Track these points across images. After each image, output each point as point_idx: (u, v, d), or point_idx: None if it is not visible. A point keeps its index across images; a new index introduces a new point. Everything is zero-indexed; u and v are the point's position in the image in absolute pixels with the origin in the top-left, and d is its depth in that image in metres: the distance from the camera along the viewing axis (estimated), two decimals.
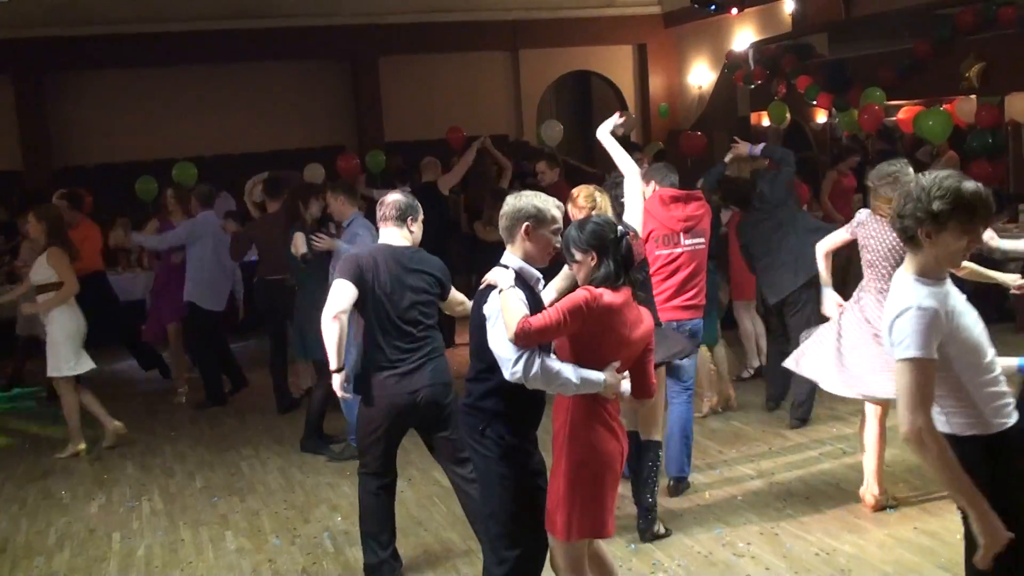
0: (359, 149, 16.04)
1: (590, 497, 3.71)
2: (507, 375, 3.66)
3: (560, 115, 18.11)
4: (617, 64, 19.27)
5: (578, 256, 3.78)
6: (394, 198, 4.97)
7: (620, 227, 3.85)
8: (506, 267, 3.84)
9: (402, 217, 4.91)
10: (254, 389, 8.99)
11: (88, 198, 12.27)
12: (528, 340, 3.59)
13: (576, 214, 4.93)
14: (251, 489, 6.63)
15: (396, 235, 4.91)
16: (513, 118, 18.68)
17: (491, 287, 3.79)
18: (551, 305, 3.73)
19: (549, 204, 3.91)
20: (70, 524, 6.24)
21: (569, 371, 3.63)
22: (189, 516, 6.23)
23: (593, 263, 3.74)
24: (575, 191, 5.13)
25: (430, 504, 6.06)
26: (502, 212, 3.93)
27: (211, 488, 6.72)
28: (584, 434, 3.71)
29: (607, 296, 3.67)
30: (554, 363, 3.64)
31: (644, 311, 3.86)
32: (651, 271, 5.80)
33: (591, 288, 3.69)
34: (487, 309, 3.77)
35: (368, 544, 4.99)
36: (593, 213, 4.86)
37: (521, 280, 3.81)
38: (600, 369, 3.68)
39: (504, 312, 3.65)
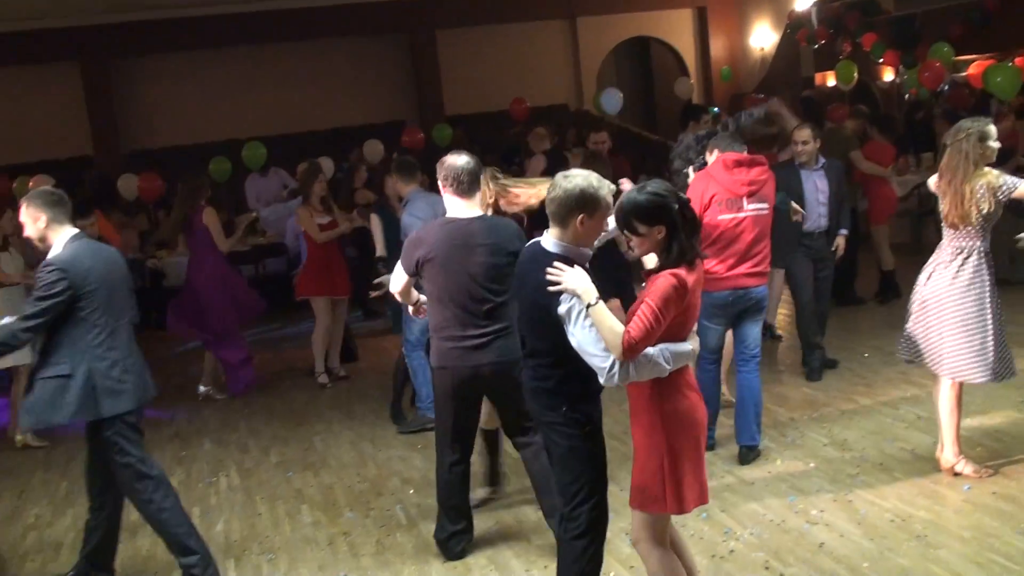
0: (420, 123, 16.09)
1: (694, 465, 3.68)
2: (603, 381, 3.56)
3: (620, 82, 17.96)
4: (677, 28, 19.06)
5: (642, 230, 3.59)
6: (452, 163, 4.80)
7: (680, 194, 3.68)
8: (568, 260, 3.65)
9: (465, 184, 4.81)
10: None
11: (157, 181, 12.56)
12: (636, 352, 3.46)
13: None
14: (324, 464, 6.74)
15: (462, 205, 4.84)
16: (572, 87, 18.60)
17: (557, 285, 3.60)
18: None
19: (603, 189, 3.73)
20: None
21: (659, 356, 3.52)
22: (265, 491, 6.36)
23: (661, 237, 3.57)
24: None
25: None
26: (551, 196, 3.74)
27: (286, 463, 6.85)
28: (678, 405, 3.64)
29: (689, 275, 3.55)
30: (652, 353, 3.52)
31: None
32: (713, 236, 5.77)
33: (676, 272, 3.52)
34: (563, 311, 3.59)
35: (440, 514, 5.06)
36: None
37: (572, 263, 3.66)
38: (684, 340, 3.63)
39: (601, 330, 3.49)
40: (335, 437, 7.28)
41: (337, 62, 17.28)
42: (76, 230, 4.82)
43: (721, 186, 5.77)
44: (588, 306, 3.53)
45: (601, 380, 3.56)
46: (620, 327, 3.48)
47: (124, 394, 4.72)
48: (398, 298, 5.11)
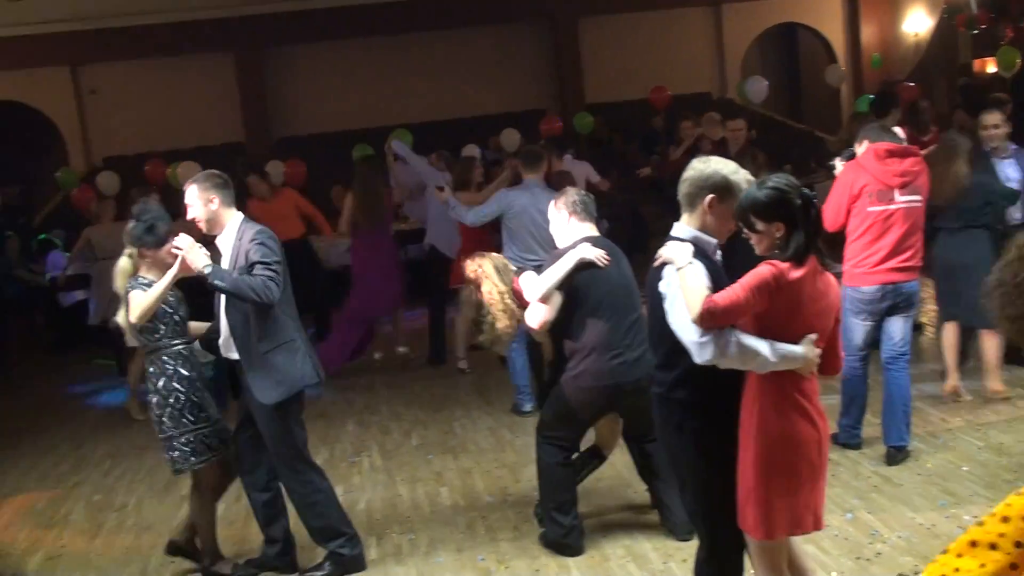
0: (560, 111, 16.10)
1: (784, 490, 3.39)
2: (697, 359, 3.36)
3: (765, 70, 17.59)
4: (825, 14, 18.55)
5: (760, 226, 3.40)
6: (574, 198, 5.04)
7: (804, 189, 3.45)
8: (680, 239, 3.57)
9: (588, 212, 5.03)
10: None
11: (302, 167, 12.93)
12: (714, 321, 3.27)
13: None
14: (464, 448, 6.84)
15: (591, 229, 5.03)
16: (715, 75, 18.34)
17: (665, 263, 3.50)
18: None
19: (740, 176, 3.61)
20: None
21: (765, 347, 3.31)
22: (406, 473, 6.49)
23: (780, 235, 3.37)
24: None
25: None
26: (684, 177, 3.64)
27: (426, 446, 6.97)
28: (774, 420, 3.38)
29: (793, 270, 3.33)
30: (749, 339, 3.33)
31: (831, 278, 3.51)
32: (863, 229, 5.60)
33: (776, 263, 3.33)
34: (663, 287, 3.47)
35: (551, 512, 5.05)
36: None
37: (699, 251, 3.51)
38: (791, 343, 3.37)
39: (685, 292, 3.34)
40: (474, 423, 7.37)
41: (480, 50, 17.45)
42: (241, 214, 4.99)
43: (872, 176, 5.59)
44: (678, 268, 3.40)
45: (694, 357, 3.36)
46: (705, 291, 3.33)
47: (310, 367, 4.89)
48: (536, 322, 4.93)
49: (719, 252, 3.70)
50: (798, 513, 3.44)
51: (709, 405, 3.55)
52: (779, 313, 3.36)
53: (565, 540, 5.03)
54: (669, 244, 3.54)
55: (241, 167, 14.08)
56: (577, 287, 4.82)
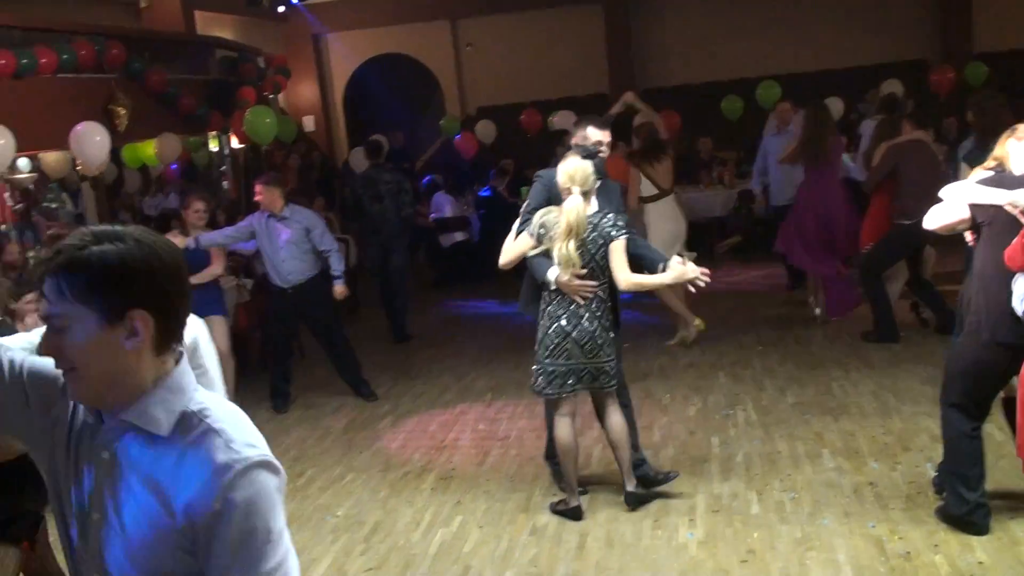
0: (946, 61, 14.90)
1: None
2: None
3: None
4: None
5: None
6: None
7: None
8: None
9: None
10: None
11: (676, 118, 12.88)
12: None
13: None
14: (844, 410, 6.56)
15: None
16: None
17: None
18: None
19: None
20: (671, 424, 6.65)
21: None
22: (783, 430, 6.33)
23: None
24: None
25: None
26: None
27: (803, 405, 6.75)
28: None
29: None
30: None
31: None
32: None
33: None
34: None
35: (955, 485, 4.71)
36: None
37: None
38: None
39: None
40: (854, 385, 7.05)
41: None
42: None
43: None
44: None
45: None
46: None
47: None
48: None
49: None
50: None
51: None
52: None
53: (969, 517, 4.68)
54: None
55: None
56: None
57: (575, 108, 13.22)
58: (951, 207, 4.64)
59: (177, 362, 1.90)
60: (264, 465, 1.82)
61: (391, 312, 10.03)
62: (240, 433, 1.85)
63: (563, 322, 5.10)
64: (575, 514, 5.31)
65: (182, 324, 1.91)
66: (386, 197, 9.79)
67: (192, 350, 3.67)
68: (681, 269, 5.02)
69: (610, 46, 17.17)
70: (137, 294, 1.80)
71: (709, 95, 14.26)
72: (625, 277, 5.05)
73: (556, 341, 5.11)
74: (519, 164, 13.18)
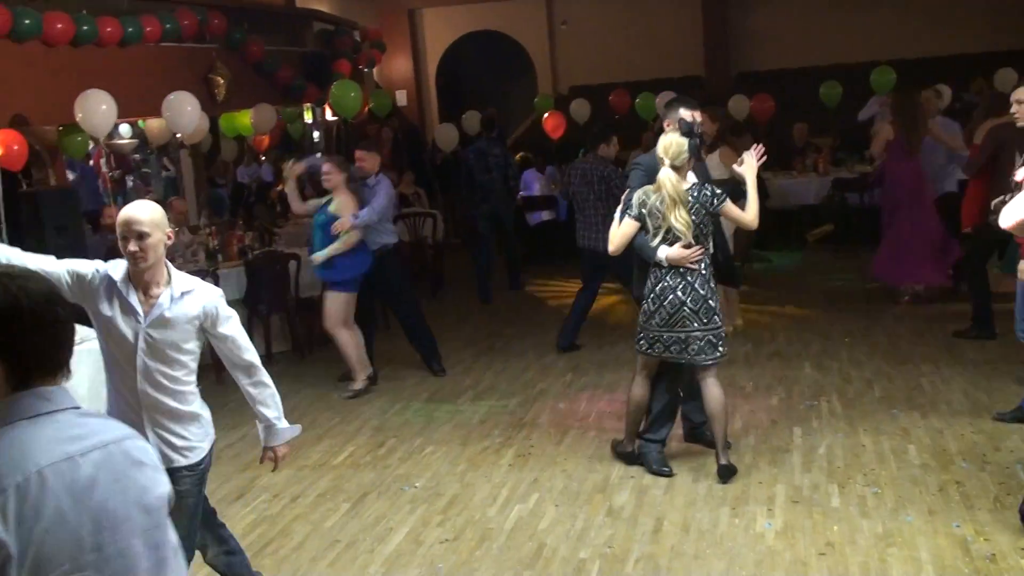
0: None
1: None
2: None
3: None
4: None
5: None
6: None
7: None
8: None
9: None
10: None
11: (769, 102, 12.68)
12: None
13: None
14: (933, 407, 6.40)
15: None
16: None
17: None
18: None
19: None
20: (753, 412, 6.58)
21: None
22: (868, 423, 6.21)
23: None
24: None
25: None
26: None
27: (889, 399, 6.62)
28: None
29: None
30: None
31: None
32: None
33: None
34: None
35: None
36: None
37: None
38: None
39: None
40: (945, 382, 6.87)
41: None
42: None
43: None
44: None
45: None
46: None
47: None
48: None
49: None
50: None
51: None
52: None
53: None
54: None
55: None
56: None
57: (669, 90, 13.06)
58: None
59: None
60: None
61: (511, 265, 11.27)
62: None
63: (679, 293, 5.36)
64: (628, 458, 5.79)
65: (39, 363, 1.98)
66: (494, 169, 10.63)
67: (212, 321, 3.78)
68: (748, 167, 5.51)
69: (707, 28, 16.96)
70: None
71: (807, 81, 13.96)
72: (751, 218, 5.46)
73: (672, 311, 5.35)
74: None
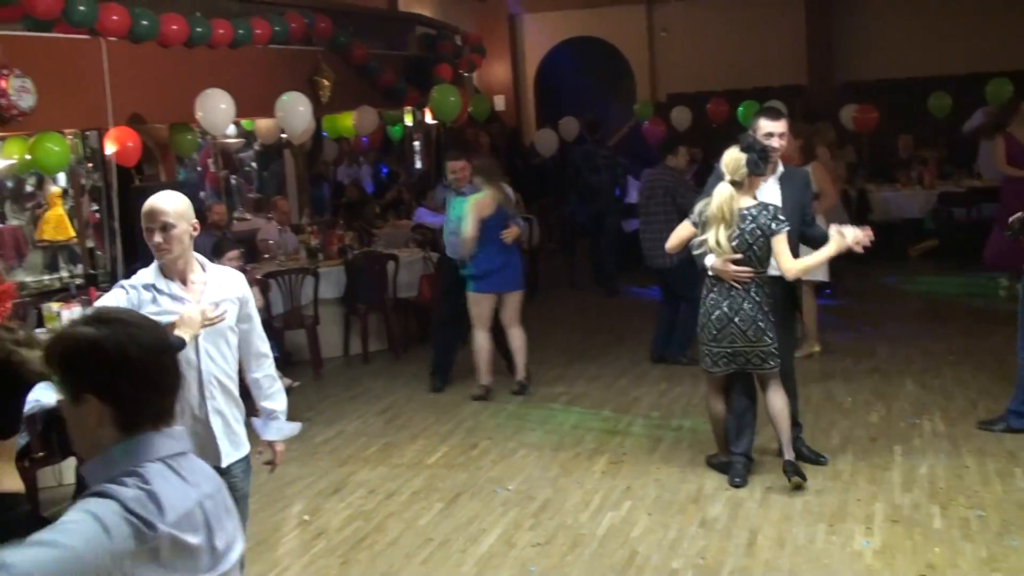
0: None
1: None
2: None
3: None
4: None
5: None
6: None
7: None
8: None
9: None
10: None
11: (873, 113, 12.43)
12: None
13: None
14: None
15: None
16: None
17: None
18: None
19: None
20: (852, 428, 6.45)
21: None
22: (972, 444, 6.05)
23: None
24: None
25: None
26: None
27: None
28: None
29: None
30: None
31: None
32: None
33: None
34: None
35: None
36: None
37: None
38: None
39: None
40: None
41: None
42: None
43: None
44: None
45: None
46: None
47: None
48: None
49: None
50: None
51: None
52: None
53: None
54: None
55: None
56: None
57: (768, 99, 12.89)
58: None
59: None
60: (124, 507, 1.82)
61: (599, 269, 11.48)
62: (150, 496, 1.86)
63: (725, 308, 5.37)
64: (724, 468, 5.73)
65: (143, 409, 1.98)
66: (603, 170, 11.14)
67: (246, 301, 3.83)
68: (840, 239, 5.14)
69: (810, 37, 16.67)
70: (88, 380, 1.95)
71: (913, 92, 13.65)
72: (790, 266, 5.28)
73: (719, 327, 5.37)
74: (706, 154, 12.98)
